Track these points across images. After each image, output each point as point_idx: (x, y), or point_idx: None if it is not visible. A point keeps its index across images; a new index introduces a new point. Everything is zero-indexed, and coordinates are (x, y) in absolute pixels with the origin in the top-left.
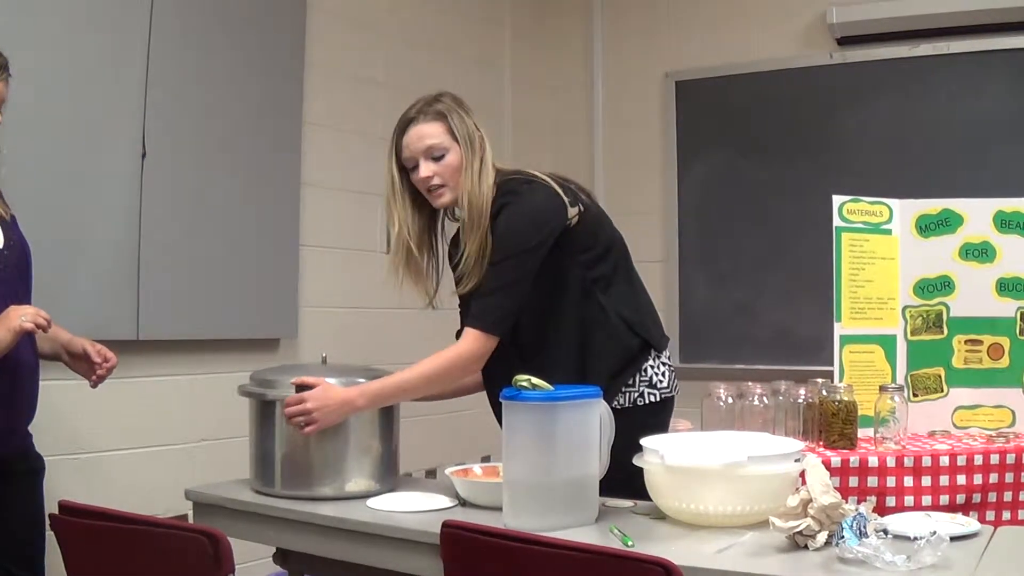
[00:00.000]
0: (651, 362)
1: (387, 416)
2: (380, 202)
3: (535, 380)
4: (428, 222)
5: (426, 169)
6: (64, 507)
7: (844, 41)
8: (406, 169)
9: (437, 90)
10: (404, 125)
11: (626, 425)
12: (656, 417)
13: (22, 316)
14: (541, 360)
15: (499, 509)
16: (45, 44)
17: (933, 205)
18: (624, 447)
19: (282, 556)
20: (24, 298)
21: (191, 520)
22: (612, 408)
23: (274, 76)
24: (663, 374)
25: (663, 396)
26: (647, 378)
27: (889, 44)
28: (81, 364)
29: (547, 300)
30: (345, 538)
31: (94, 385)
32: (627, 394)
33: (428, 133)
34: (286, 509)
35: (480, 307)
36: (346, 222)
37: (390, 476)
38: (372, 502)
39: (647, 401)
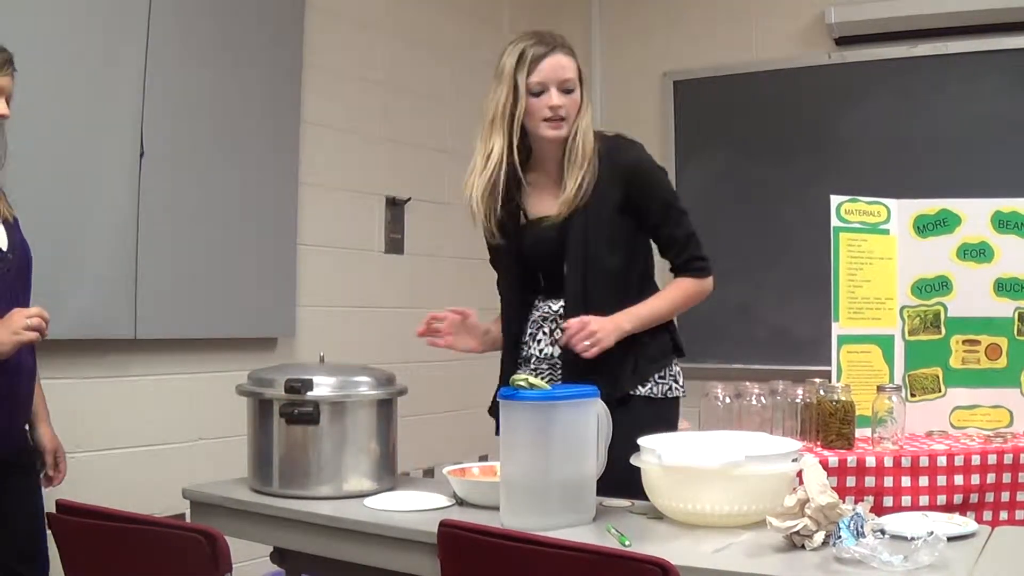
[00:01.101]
0: (676, 361)
1: (385, 415)
2: (378, 202)
3: (532, 380)
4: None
5: (558, 98)
6: (61, 506)
7: (842, 41)
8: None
9: (548, 29)
10: (543, 52)
11: (659, 413)
12: (677, 412)
13: (25, 321)
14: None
15: (496, 508)
16: (43, 44)
17: (931, 205)
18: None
19: (279, 555)
20: (24, 301)
21: (188, 519)
22: (646, 396)
23: (272, 75)
24: (680, 375)
25: (682, 395)
26: (674, 373)
27: (887, 44)
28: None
29: (632, 267)
30: (342, 537)
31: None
32: (660, 385)
33: (566, 65)
34: (283, 508)
35: (700, 250)
36: (344, 222)
37: (388, 475)
38: (369, 501)
39: (675, 395)
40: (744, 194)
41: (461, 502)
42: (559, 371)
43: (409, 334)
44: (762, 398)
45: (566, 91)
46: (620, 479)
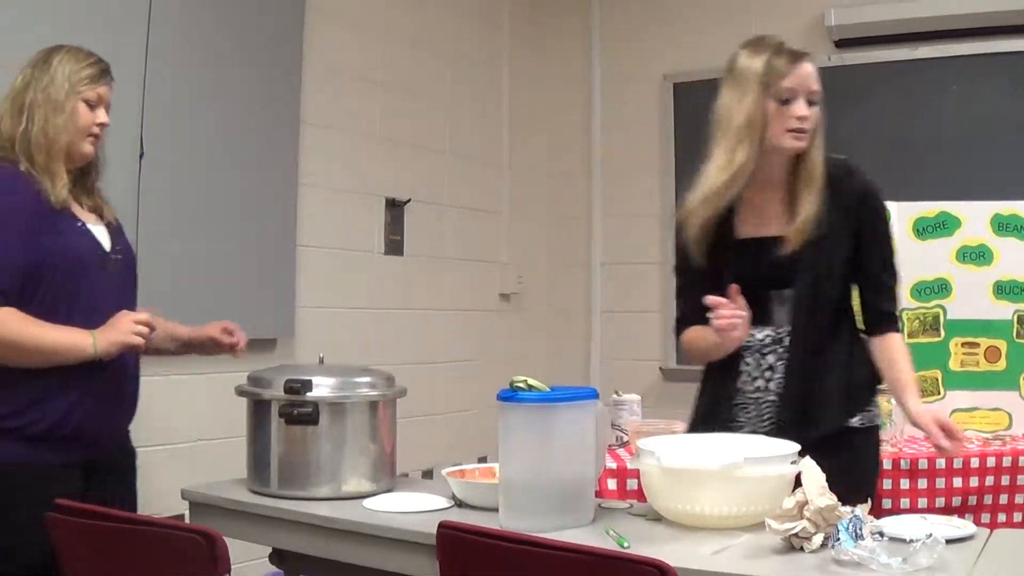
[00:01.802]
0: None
1: (385, 417)
2: (378, 203)
3: (532, 381)
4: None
5: (806, 108)
6: (61, 507)
7: (842, 43)
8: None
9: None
10: (795, 57)
11: (871, 442)
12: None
13: (133, 325)
14: (826, 358)
15: (495, 510)
16: (43, 44)
17: (930, 207)
18: (872, 466)
19: (278, 556)
20: (131, 302)
21: (188, 520)
22: (858, 427)
23: (272, 76)
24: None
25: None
26: (878, 403)
27: (887, 46)
28: (213, 349)
29: (846, 297)
30: (341, 538)
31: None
32: (868, 413)
33: (814, 76)
34: (282, 509)
35: (895, 306)
36: (343, 223)
37: (387, 477)
38: (368, 502)
39: (878, 423)
40: None
41: (460, 503)
42: (765, 406)
43: (408, 335)
44: None
45: (810, 103)
46: None
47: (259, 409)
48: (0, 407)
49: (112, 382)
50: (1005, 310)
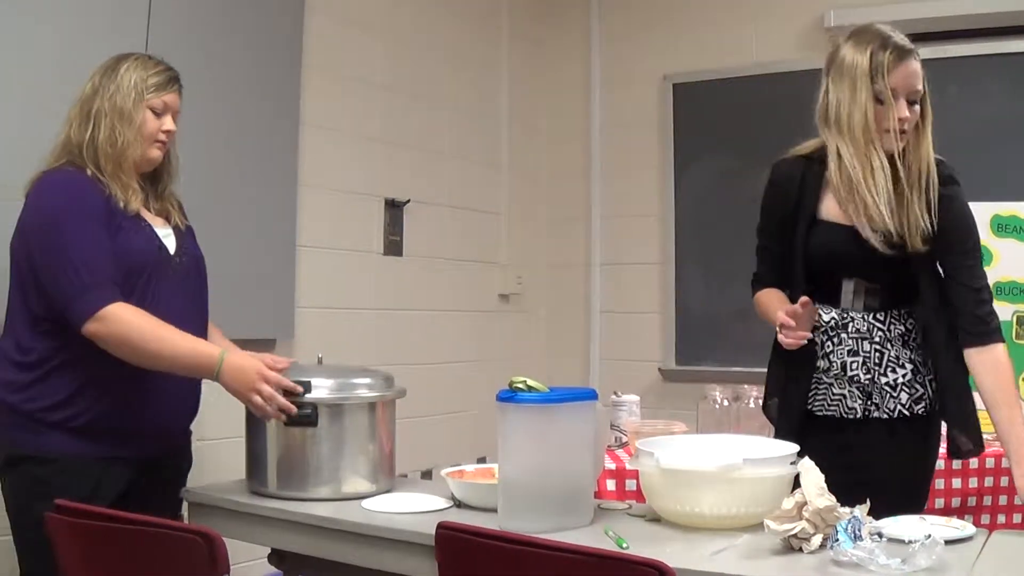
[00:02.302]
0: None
1: (384, 417)
2: (377, 204)
3: (531, 382)
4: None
5: (908, 109)
6: (60, 507)
7: None
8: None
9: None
10: (902, 53)
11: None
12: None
13: (263, 391)
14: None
15: (494, 511)
16: (43, 47)
17: None
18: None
19: (278, 557)
20: (199, 307)
21: (187, 520)
22: (920, 414)
23: (272, 76)
24: None
25: None
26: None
27: None
28: None
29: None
30: (340, 539)
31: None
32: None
33: (919, 75)
34: (281, 510)
35: (991, 314)
36: (343, 223)
37: (386, 477)
38: (367, 503)
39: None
40: (744, 196)
41: (459, 504)
42: (845, 385)
43: (407, 336)
44: (760, 401)
45: (911, 102)
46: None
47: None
48: (42, 400)
49: (167, 380)
50: (1004, 311)
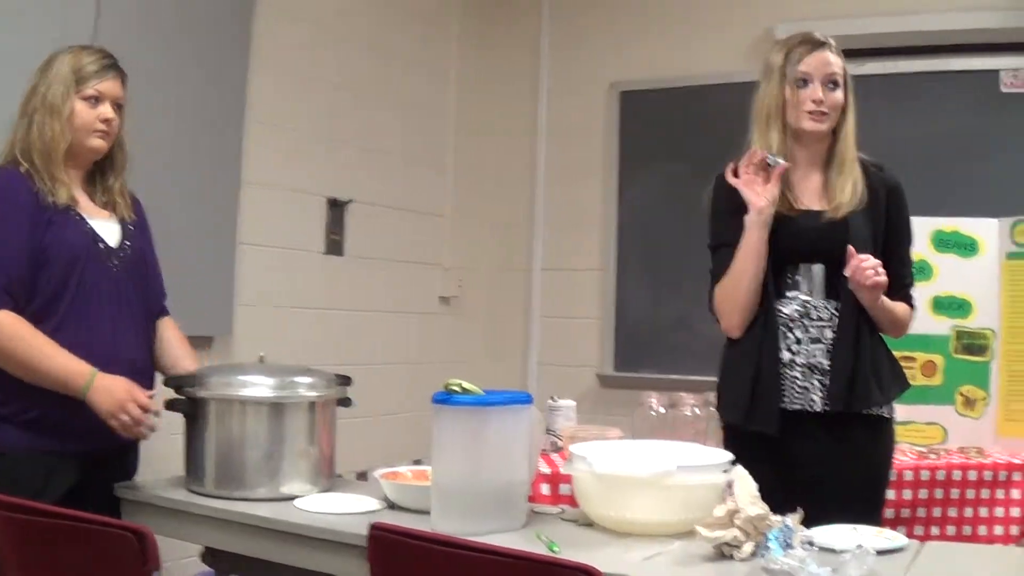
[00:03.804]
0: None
1: (324, 417)
2: (319, 203)
3: (466, 384)
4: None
5: (822, 92)
6: None
7: None
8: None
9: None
10: (813, 45)
11: (893, 434)
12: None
13: (127, 410)
14: (880, 348)
15: (427, 512)
16: None
17: None
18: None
19: (211, 555)
20: (146, 303)
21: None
22: (889, 416)
23: (218, 72)
24: None
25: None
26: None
27: None
28: None
29: None
30: (273, 538)
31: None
32: (890, 406)
33: (834, 62)
34: (215, 508)
35: (912, 294)
36: (285, 221)
37: (324, 478)
38: (301, 503)
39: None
40: (687, 206)
41: (392, 505)
42: (808, 377)
43: (347, 336)
44: (696, 409)
45: (831, 87)
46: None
47: (195, 408)
48: None
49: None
50: (943, 325)
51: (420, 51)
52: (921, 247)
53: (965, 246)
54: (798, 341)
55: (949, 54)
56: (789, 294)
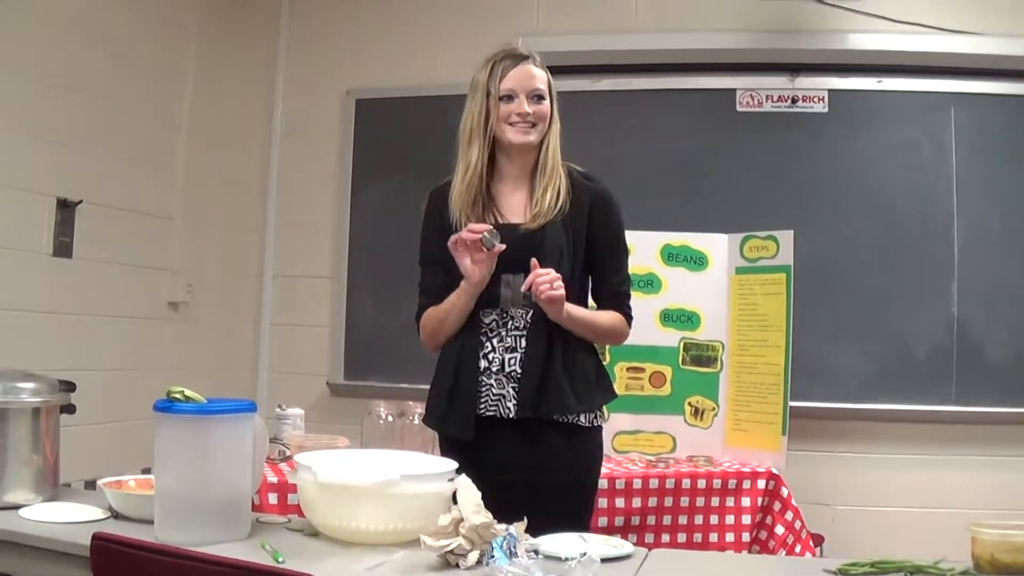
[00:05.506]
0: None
1: (48, 424)
2: (47, 203)
3: (188, 392)
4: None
5: (529, 105)
6: None
7: None
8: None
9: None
10: (516, 59)
11: (598, 442)
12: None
13: None
14: (579, 357)
15: (152, 522)
16: None
17: None
18: (597, 463)
19: None
20: None
21: None
22: (591, 425)
23: None
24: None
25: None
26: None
27: (573, 77)
28: None
29: (584, 287)
30: None
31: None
32: (597, 414)
33: (538, 76)
34: None
35: (627, 302)
36: (11, 221)
37: (49, 486)
38: (25, 512)
39: (601, 424)
40: (413, 217)
41: (117, 515)
42: (504, 384)
43: (74, 341)
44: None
45: (536, 100)
46: (573, 504)
47: None
48: None
49: None
50: (671, 337)
51: (158, 51)
52: (650, 260)
53: (694, 260)
54: (494, 349)
55: (689, 72)
56: (492, 305)
